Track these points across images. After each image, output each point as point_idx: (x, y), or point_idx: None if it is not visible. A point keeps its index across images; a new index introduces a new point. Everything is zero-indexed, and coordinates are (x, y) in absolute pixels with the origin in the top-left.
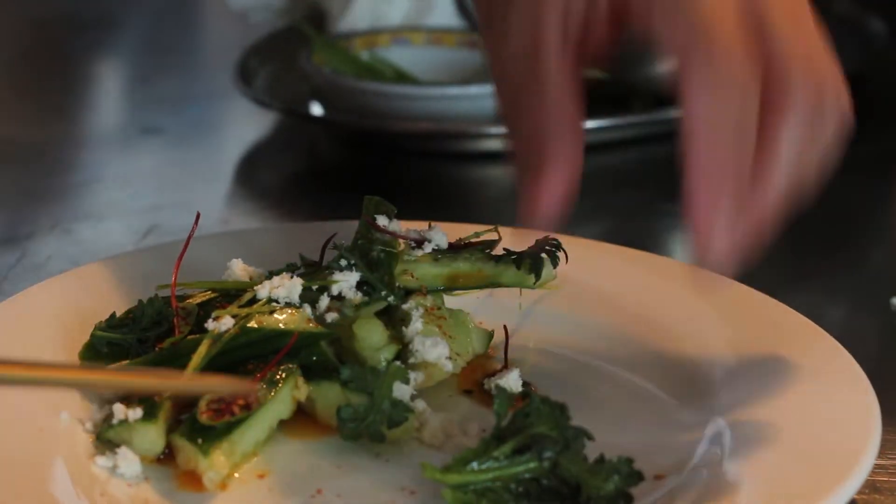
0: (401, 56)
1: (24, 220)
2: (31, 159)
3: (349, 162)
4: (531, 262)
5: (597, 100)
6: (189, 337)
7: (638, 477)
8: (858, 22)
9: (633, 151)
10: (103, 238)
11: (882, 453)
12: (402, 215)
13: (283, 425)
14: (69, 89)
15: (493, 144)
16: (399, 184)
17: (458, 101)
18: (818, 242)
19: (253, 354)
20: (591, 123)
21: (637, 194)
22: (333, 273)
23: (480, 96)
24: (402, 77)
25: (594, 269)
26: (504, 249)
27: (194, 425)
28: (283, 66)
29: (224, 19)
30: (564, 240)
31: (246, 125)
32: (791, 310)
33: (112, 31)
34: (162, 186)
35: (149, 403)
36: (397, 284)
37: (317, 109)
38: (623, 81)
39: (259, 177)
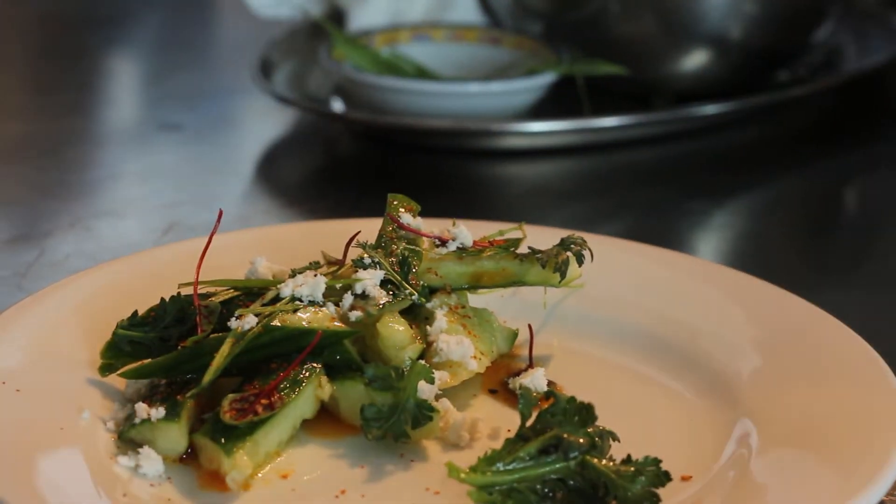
0: (421, 52)
1: (42, 218)
2: (49, 156)
3: (369, 159)
4: (556, 261)
5: (618, 97)
6: (212, 335)
7: (665, 477)
8: (883, 18)
9: (656, 148)
10: (123, 235)
11: None
12: (425, 213)
13: (307, 425)
14: (86, 86)
15: (516, 142)
16: (421, 181)
17: (479, 97)
18: (841, 239)
19: (276, 353)
20: (612, 121)
21: (659, 192)
22: (357, 271)
23: (502, 93)
24: (422, 73)
25: (618, 267)
26: (528, 248)
27: (217, 425)
28: (304, 62)
29: (239, 15)
30: (588, 238)
31: (264, 121)
32: (817, 308)
33: (127, 27)
34: (181, 183)
35: (171, 402)
36: (421, 283)
37: (337, 106)
38: (644, 78)
39: (279, 174)
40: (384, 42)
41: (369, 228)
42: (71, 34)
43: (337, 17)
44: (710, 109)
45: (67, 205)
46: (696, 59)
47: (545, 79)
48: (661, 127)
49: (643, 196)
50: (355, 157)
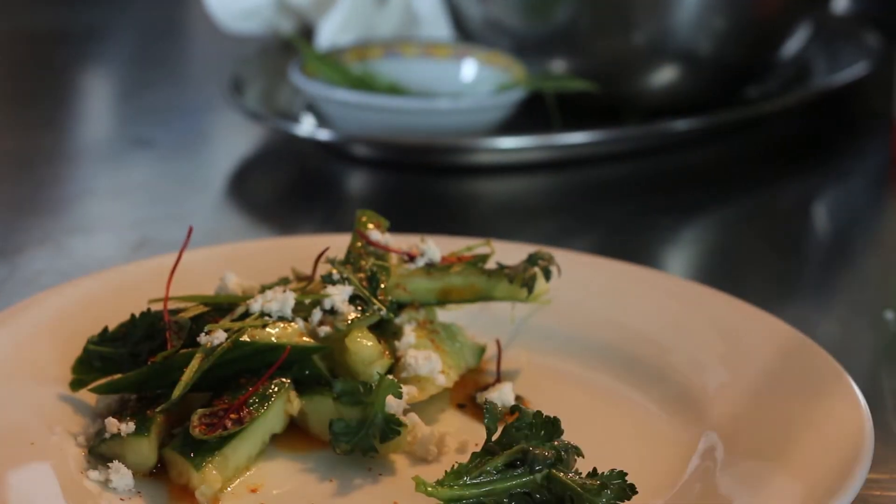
0: (393, 68)
1: (13, 234)
2: (20, 172)
3: (340, 175)
4: (524, 276)
5: (588, 113)
6: (181, 351)
7: (631, 490)
8: (853, 34)
9: (626, 164)
10: (95, 251)
11: (874, 467)
12: (394, 229)
13: (276, 439)
14: (58, 102)
15: (486, 158)
16: (391, 197)
17: (449, 114)
18: (810, 254)
19: (245, 368)
20: (582, 136)
21: (629, 207)
22: (326, 287)
23: (472, 110)
24: (394, 89)
25: (586, 283)
26: (496, 263)
27: (186, 439)
28: (275, 79)
29: (211, 33)
30: (556, 253)
31: (236, 138)
32: (783, 323)
33: (100, 44)
34: (153, 199)
35: (141, 417)
36: (390, 298)
37: (308, 122)
38: (614, 94)
39: (250, 189)
40: (355, 58)
41: (338, 244)
42: (43, 50)
43: (307, 32)
44: (681, 125)
45: (39, 220)
46: (666, 75)
47: (515, 95)
48: (632, 143)
49: (613, 212)
50: (326, 173)
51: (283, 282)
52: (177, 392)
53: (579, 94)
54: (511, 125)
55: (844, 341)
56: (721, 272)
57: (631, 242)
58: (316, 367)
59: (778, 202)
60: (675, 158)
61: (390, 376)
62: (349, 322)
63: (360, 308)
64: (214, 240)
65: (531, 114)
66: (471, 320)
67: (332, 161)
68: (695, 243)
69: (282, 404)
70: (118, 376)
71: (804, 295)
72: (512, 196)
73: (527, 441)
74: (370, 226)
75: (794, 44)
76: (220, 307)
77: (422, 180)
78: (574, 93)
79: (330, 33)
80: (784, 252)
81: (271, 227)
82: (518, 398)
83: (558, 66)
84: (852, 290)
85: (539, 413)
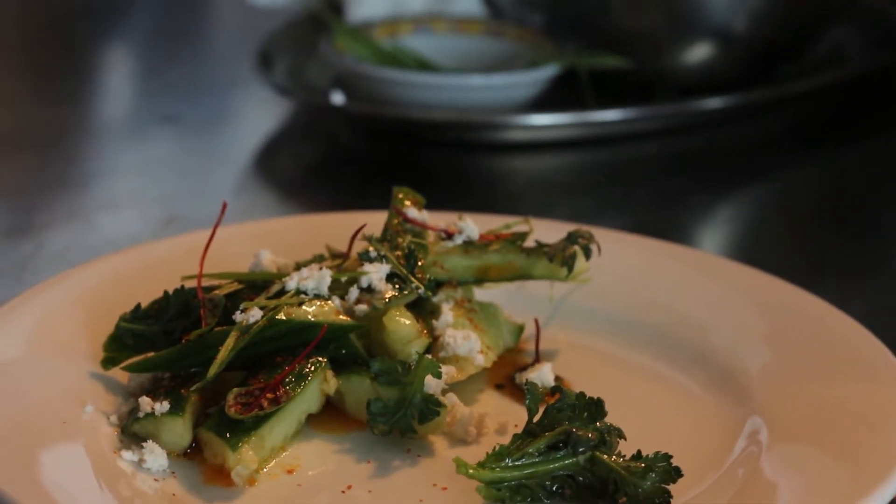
0: (423, 44)
1: (40, 210)
2: (46, 148)
3: (370, 151)
4: (564, 255)
5: (621, 90)
6: (216, 329)
7: (676, 473)
8: (888, 13)
9: (659, 142)
10: (123, 228)
11: None
12: (429, 206)
13: (312, 419)
14: (83, 78)
15: (518, 135)
16: (424, 174)
17: (481, 90)
18: (845, 233)
19: (281, 347)
20: (615, 114)
21: (662, 185)
22: (363, 264)
23: (504, 86)
24: (424, 66)
25: (626, 262)
26: (535, 241)
27: (222, 419)
28: (303, 54)
29: (236, 6)
30: (595, 231)
31: (264, 113)
32: (825, 302)
33: (123, 18)
34: (180, 175)
35: (175, 396)
36: (428, 276)
37: (338, 98)
38: (647, 71)
39: (278, 166)
40: (385, 34)
41: (373, 222)
42: (69, 25)
43: (334, 7)
44: (714, 103)
45: (66, 196)
46: (700, 52)
47: (547, 71)
48: (665, 120)
49: (645, 190)
50: (355, 149)
51: (318, 259)
52: (212, 371)
53: (612, 71)
54: (543, 102)
55: (884, 320)
56: (755, 250)
57: (664, 221)
58: (353, 346)
59: (813, 180)
60: (708, 136)
61: (429, 356)
62: (387, 300)
63: (397, 286)
64: (243, 216)
65: (564, 91)
66: (508, 299)
67: (361, 137)
68: (728, 221)
69: (318, 384)
70: (151, 354)
71: (840, 275)
72: (544, 174)
73: (569, 423)
74: (407, 203)
75: (830, 22)
76: (255, 284)
77: (454, 157)
78: (607, 70)
79: (360, 8)
80: (818, 232)
81: (300, 204)
82: (557, 379)
83: (591, 42)
84: (890, 269)
85: (582, 394)
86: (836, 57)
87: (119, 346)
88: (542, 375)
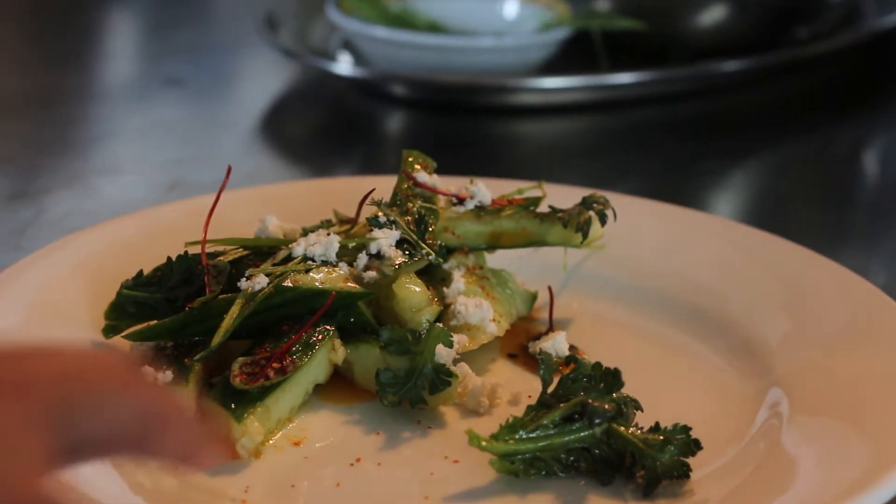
0: (432, 6)
1: (39, 174)
2: (46, 112)
3: (377, 115)
4: (579, 220)
5: (634, 53)
6: (221, 296)
7: (696, 446)
8: None
9: (673, 106)
10: (124, 193)
11: None
12: (439, 171)
13: (320, 390)
14: (84, 40)
15: (530, 98)
16: (430, 138)
17: (492, 53)
18: (862, 199)
19: (288, 315)
20: (628, 77)
21: (675, 150)
22: (372, 230)
23: (516, 48)
24: (434, 28)
25: (641, 228)
26: (549, 207)
27: (227, 389)
28: (310, 15)
29: None
30: (610, 197)
31: (269, 77)
32: (845, 269)
33: None
34: (183, 140)
35: (179, 366)
36: (438, 242)
37: (345, 60)
38: (661, 34)
39: (284, 130)
40: None
41: (382, 186)
42: None
43: None
44: (729, 66)
45: (66, 161)
46: (714, 15)
47: (560, 34)
48: (679, 84)
49: (659, 155)
50: (362, 113)
51: (326, 225)
52: (216, 339)
53: (626, 34)
54: (555, 65)
55: None
56: (769, 216)
57: (677, 186)
58: (362, 314)
59: (827, 146)
60: (722, 100)
61: (439, 324)
62: (396, 267)
63: (407, 252)
64: (249, 181)
65: (576, 53)
66: (520, 266)
67: (369, 101)
68: (742, 187)
69: (326, 353)
70: (153, 322)
71: (857, 241)
72: (555, 138)
73: (585, 394)
74: (417, 166)
75: None
76: (261, 251)
77: (462, 121)
78: (620, 32)
79: None
80: (835, 197)
81: (307, 169)
82: (572, 348)
83: (604, 4)
84: None
85: (598, 364)
86: (852, 19)
87: (121, 313)
88: (557, 344)
